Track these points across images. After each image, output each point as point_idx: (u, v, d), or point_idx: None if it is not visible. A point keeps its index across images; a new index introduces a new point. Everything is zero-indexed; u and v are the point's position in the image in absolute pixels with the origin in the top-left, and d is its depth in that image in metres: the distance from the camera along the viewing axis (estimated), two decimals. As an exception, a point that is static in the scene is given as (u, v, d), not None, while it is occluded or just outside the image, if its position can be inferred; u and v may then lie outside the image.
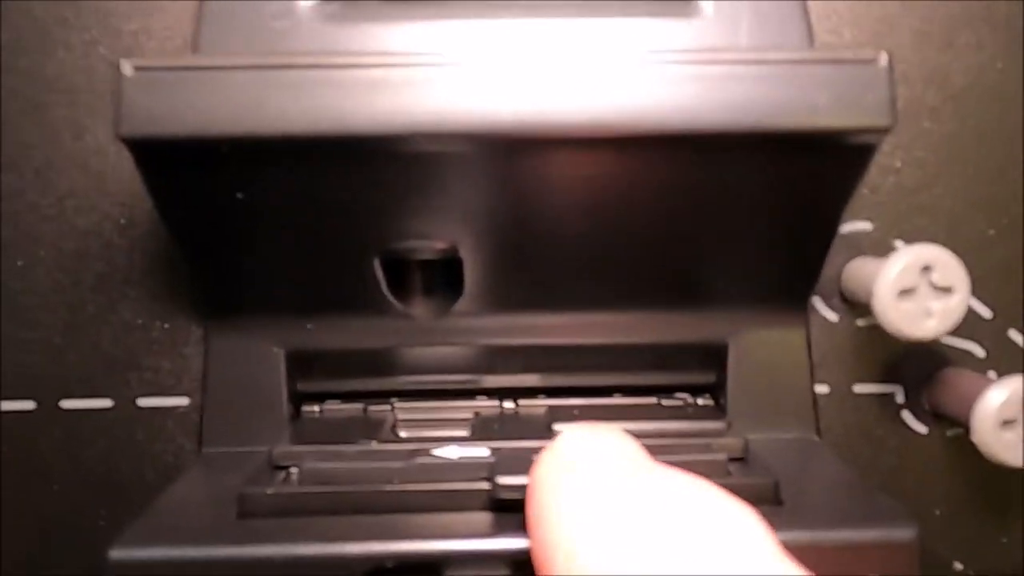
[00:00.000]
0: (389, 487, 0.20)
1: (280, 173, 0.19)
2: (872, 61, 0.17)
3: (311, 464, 0.21)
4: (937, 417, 0.26)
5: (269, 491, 0.20)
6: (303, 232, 0.21)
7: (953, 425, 0.26)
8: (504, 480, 0.19)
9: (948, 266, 0.22)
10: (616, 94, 0.17)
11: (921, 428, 0.26)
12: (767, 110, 0.17)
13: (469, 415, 0.25)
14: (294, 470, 0.21)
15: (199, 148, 0.17)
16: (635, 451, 0.17)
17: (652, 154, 0.18)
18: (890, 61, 0.17)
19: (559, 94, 0.18)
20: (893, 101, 0.17)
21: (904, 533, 0.19)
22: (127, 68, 0.16)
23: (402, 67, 0.17)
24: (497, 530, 0.19)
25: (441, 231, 0.21)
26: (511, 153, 0.19)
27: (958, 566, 0.27)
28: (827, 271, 0.25)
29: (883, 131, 0.17)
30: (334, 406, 0.24)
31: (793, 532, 0.19)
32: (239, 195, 0.19)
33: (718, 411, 0.25)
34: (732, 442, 0.22)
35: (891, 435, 0.26)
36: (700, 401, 0.25)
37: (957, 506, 0.26)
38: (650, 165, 0.19)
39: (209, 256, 0.22)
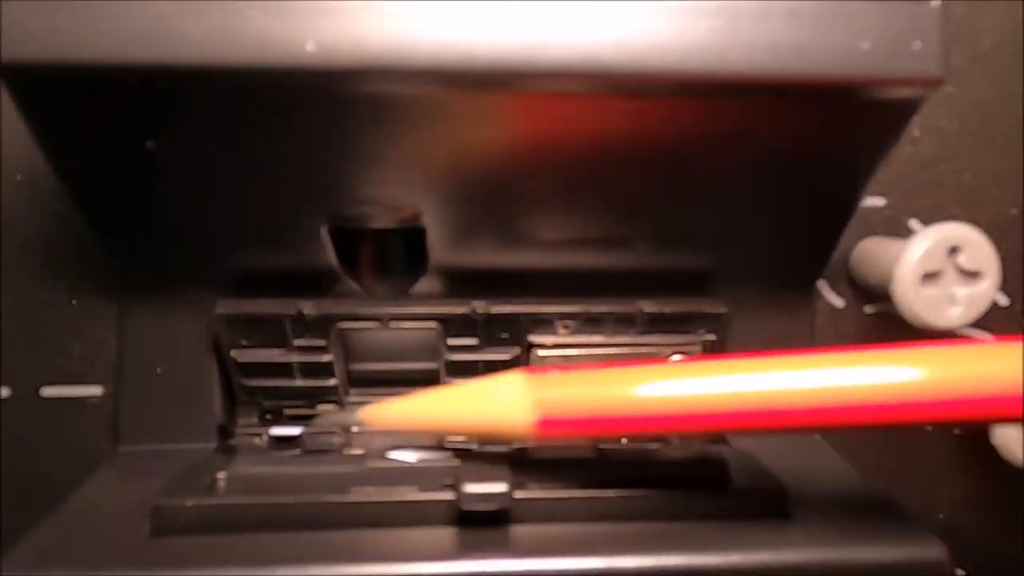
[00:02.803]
0: (333, 498, 0.17)
1: (198, 115, 0.15)
2: (923, 1, 0.14)
3: (242, 469, 0.18)
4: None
5: (189, 503, 0.17)
6: (232, 191, 0.18)
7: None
8: (471, 488, 0.17)
9: (977, 248, 0.19)
10: (619, 30, 0.14)
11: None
12: (800, 55, 0.14)
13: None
14: (222, 475, 0.18)
15: (93, 79, 0.14)
16: None
17: (657, 101, 0.15)
18: (944, 2, 0.14)
19: (550, 28, 0.15)
20: (946, 49, 0.14)
21: (932, 552, 0.17)
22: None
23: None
24: (464, 550, 0.16)
25: (401, 194, 0.18)
26: (488, 97, 0.16)
27: (961, 573, 0.25)
28: (834, 252, 0.23)
29: (933, 84, 0.14)
30: (275, 384, 0.21)
31: (802, 551, 0.16)
32: (149, 143, 0.15)
33: None
34: None
35: (899, 435, 0.24)
36: None
37: (963, 508, 0.24)
38: (654, 113, 0.16)
39: (119, 220, 0.18)
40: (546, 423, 0.16)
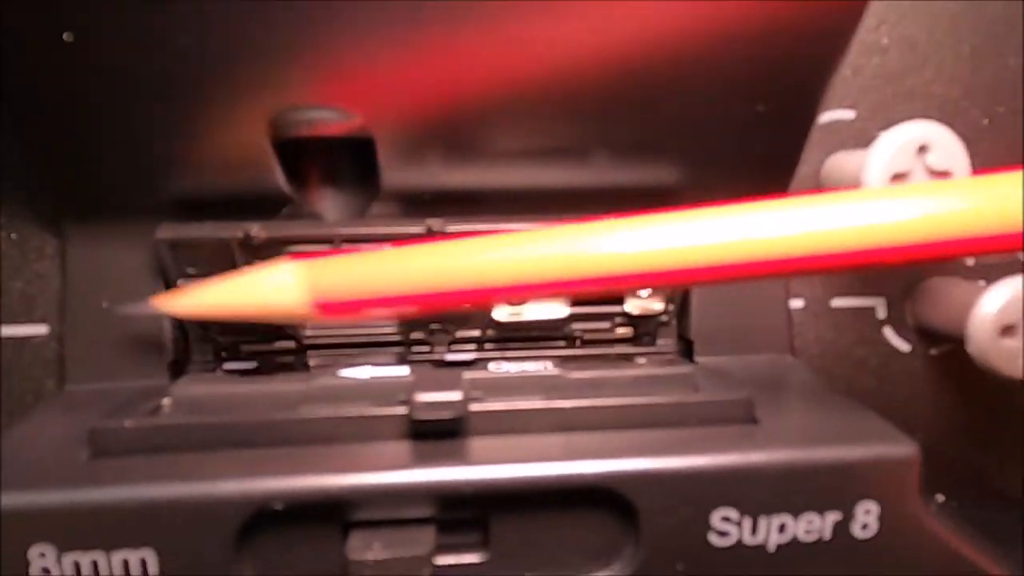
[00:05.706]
0: (280, 415, 0.16)
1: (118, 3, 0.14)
2: None
3: (186, 390, 0.17)
4: (921, 333, 0.23)
5: (128, 424, 0.16)
6: (167, 97, 0.17)
7: (938, 342, 0.23)
8: (424, 397, 0.16)
9: (947, 146, 0.19)
10: None
11: (904, 346, 0.23)
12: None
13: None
14: (167, 400, 0.17)
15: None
16: None
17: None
18: None
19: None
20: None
21: (901, 450, 0.16)
22: None
23: None
24: (416, 459, 0.16)
25: (345, 98, 0.17)
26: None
27: (940, 498, 0.24)
28: (802, 168, 0.22)
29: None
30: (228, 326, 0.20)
31: (768, 452, 0.16)
32: (67, 36, 0.14)
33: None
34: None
35: (871, 354, 0.23)
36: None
37: (941, 432, 0.24)
38: (613, 15, 0.15)
39: (50, 137, 0.18)
40: (322, 306, 0.16)
